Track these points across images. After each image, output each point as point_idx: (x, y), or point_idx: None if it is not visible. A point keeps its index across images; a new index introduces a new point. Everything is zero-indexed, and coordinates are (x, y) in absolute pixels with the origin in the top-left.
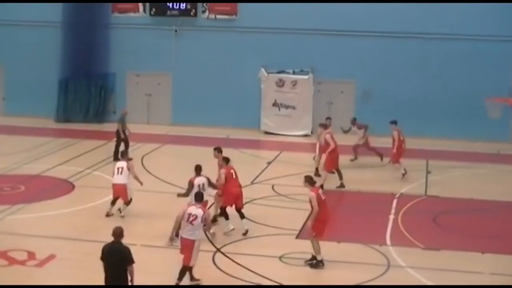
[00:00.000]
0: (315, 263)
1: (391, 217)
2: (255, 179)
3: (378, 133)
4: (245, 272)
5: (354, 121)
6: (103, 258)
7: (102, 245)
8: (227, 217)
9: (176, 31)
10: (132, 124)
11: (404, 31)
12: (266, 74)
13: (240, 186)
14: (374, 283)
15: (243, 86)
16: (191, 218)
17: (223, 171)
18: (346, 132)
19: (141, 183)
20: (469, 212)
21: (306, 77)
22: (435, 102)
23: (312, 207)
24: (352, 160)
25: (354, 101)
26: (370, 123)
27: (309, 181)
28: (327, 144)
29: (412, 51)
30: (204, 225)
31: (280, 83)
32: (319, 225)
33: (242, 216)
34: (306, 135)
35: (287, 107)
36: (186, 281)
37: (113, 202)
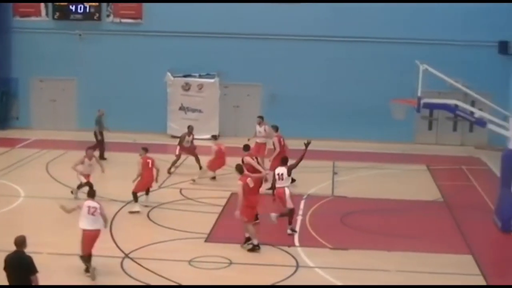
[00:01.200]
0: (252, 247)
1: (299, 218)
2: (162, 183)
3: (284, 136)
4: (154, 278)
5: (191, 130)
6: (6, 268)
7: (6, 254)
8: (136, 200)
9: (80, 35)
10: (37, 130)
11: (311, 34)
12: (172, 78)
13: (153, 176)
14: (283, 284)
15: (149, 90)
16: (91, 210)
17: (139, 160)
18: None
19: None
20: (376, 211)
21: (212, 80)
22: (341, 104)
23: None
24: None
25: (261, 104)
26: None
27: (239, 169)
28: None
29: (318, 54)
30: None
31: (186, 87)
32: (246, 210)
33: (147, 192)
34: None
35: (193, 110)
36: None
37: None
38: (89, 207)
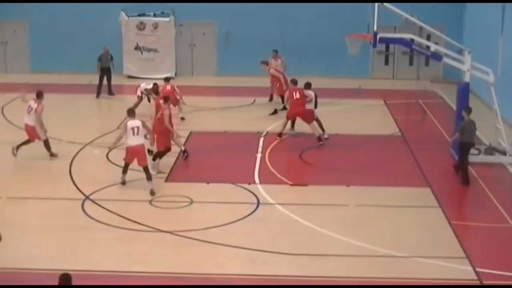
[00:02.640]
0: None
1: (259, 155)
2: (120, 124)
3: (240, 74)
4: (115, 218)
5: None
6: None
7: None
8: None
9: None
10: None
11: None
12: (127, 18)
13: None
14: (244, 221)
15: (103, 31)
16: (29, 109)
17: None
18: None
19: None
20: (334, 147)
21: (167, 19)
22: (296, 41)
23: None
24: None
25: (216, 42)
26: (232, 64)
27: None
28: (273, 76)
29: None
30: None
31: (141, 26)
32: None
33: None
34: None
35: (149, 50)
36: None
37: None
38: (29, 106)
